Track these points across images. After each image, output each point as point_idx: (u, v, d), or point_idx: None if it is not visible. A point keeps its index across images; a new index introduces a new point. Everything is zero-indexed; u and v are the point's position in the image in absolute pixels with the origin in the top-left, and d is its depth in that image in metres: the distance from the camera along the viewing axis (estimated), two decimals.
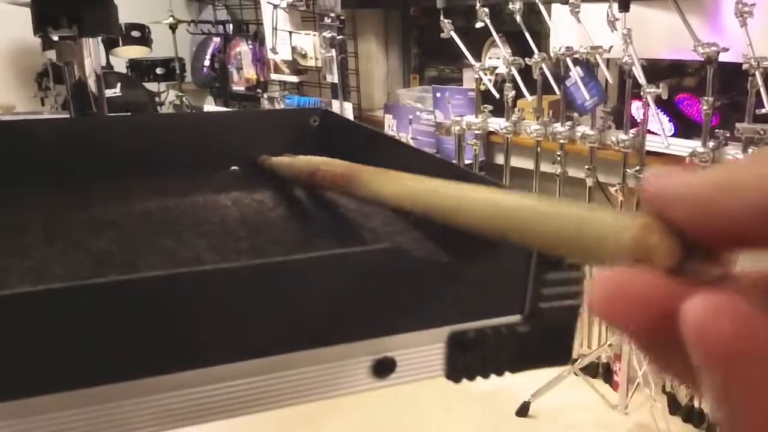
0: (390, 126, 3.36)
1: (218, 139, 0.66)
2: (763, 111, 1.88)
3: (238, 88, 4.22)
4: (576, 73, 2.30)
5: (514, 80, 2.48)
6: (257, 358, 0.28)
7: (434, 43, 3.60)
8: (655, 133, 2.20)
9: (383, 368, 0.30)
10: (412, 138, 3.27)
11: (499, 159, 3.02)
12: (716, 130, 2.06)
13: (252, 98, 4.17)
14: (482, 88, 2.64)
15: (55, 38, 0.75)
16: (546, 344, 0.31)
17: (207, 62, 4.47)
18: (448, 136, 3.09)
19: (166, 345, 0.28)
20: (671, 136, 2.25)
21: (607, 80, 2.43)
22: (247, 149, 0.66)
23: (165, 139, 0.65)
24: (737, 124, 1.96)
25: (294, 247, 0.49)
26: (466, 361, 0.30)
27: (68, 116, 1.00)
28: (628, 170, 2.15)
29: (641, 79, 2.09)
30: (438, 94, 3.09)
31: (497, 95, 2.57)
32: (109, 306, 0.27)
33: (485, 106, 2.64)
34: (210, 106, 4.48)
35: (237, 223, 0.53)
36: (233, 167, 0.66)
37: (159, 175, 0.62)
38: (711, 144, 2.02)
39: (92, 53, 0.76)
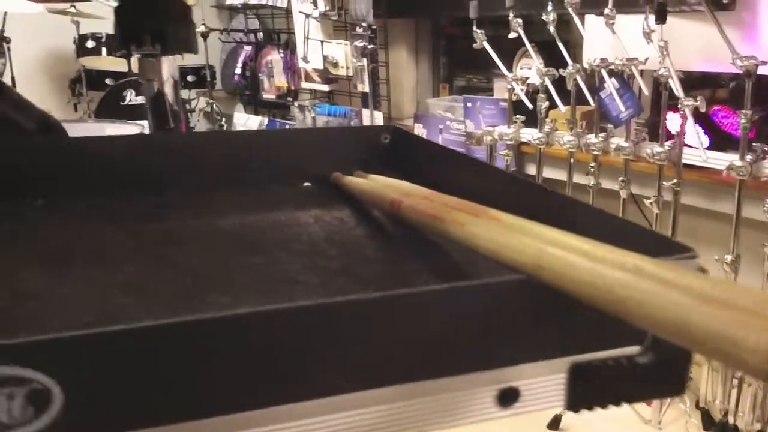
0: (420, 135, 3.37)
1: (290, 155, 0.67)
2: None
3: (269, 96, 4.26)
4: (611, 84, 2.29)
5: (547, 91, 2.48)
6: (382, 387, 0.29)
7: (463, 53, 3.61)
8: (691, 146, 2.18)
9: (507, 398, 0.30)
10: None
11: (530, 169, 3.01)
12: (753, 144, 2.04)
13: (282, 106, 4.20)
14: (514, 98, 2.64)
15: (137, 55, 0.77)
16: (662, 375, 0.32)
17: (238, 70, 4.51)
18: (478, 146, 3.09)
19: (292, 374, 0.29)
20: (706, 148, 2.23)
21: (641, 91, 2.42)
22: (318, 166, 0.67)
23: (238, 155, 0.66)
24: None
25: (384, 267, 0.50)
26: (587, 391, 0.31)
27: (145, 132, 1.01)
28: (665, 183, 2.13)
29: (678, 92, 2.08)
30: (469, 104, 3.10)
31: (530, 106, 2.57)
32: (241, 336, 0.28)
33: (517, 116, 2.64)
34: (240, 114, 4.52)
35: (323, 241, 0.53)
36: (306, 183, 0.67)
37: (235, 191, 0.63)
38: (749, 157, 2.00)
39: (171, 70, 0.78)
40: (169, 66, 0.78)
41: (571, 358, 0.31)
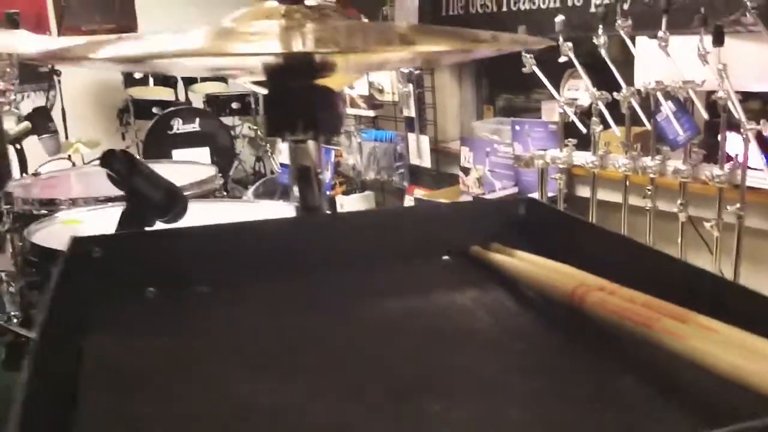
0: (466, 158, 3.37)
1: (426, 229, 0.67)
2: None
3: None
4: (668, 107, 2.28)
5: (600, 114, 2.47)
6: None
7: (507, 72, 3.61)
8: (751, 168, 2.15)
9: None
10: (489, 170, 3.27)
11: (580, 191, 3.00)
12: None
13: None
14: (565, 120, 2.64)
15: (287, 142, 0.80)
16: None
17: None
18: (527, 169, 3.08)
19: None
20: (760, 169, 2.20)
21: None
22: (455, 239, 0.67)
23: (374, 235, 0.67)
24: None
25: (594, 364, 0.49)
26: None
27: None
28: (728, 207, 2.10)
29: (738, 115, 2.06)
30: (517, 127, 3.10)
31: (584, 129, 2.56)
32: None
33: (569, 139, 2.64)
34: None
35: (501, 332, 0.53)
36: (445, 257, 0.68)
37: (380, 269, 0.64)
38: None
39: (318, 152, 0.81)
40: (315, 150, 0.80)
41: None
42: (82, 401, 0.43)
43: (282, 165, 4.14)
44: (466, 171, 3.39)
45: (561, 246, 0.62)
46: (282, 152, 4.21)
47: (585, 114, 2.69)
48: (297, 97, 0.77)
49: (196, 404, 0.45)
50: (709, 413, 0.41)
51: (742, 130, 2.04)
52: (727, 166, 2.17)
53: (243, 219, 1.53)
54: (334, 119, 0.80)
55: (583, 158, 2.57)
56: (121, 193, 1.60)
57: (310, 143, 0.80)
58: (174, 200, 0.82)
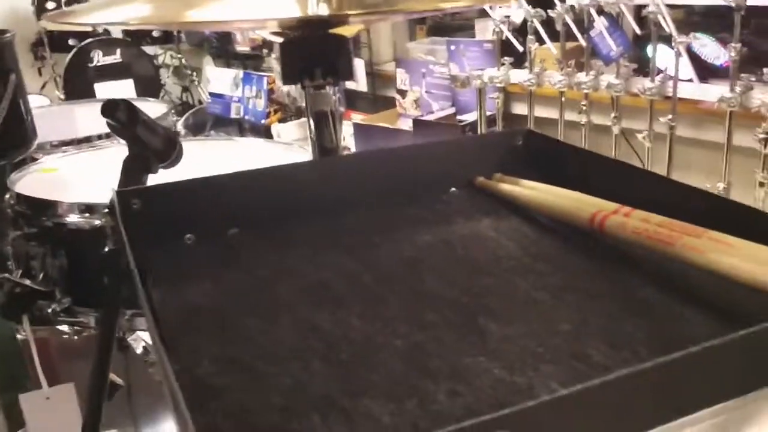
0: (402, 81, 3.39)
1: (430, 166, 0.71)
2: None
3: (243, 48, 4.19)
4: (601, 23, 2.35)
5: (536, 31, 2.52)
6: None
7: None
8: (681, 80, 2.26)
9: None
10: (426, 92, 3.30)
11: (517, 109, 3.07)
12: (741, 75, 2.13)
13: (256, 58, 4.15)
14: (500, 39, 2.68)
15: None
16: None
17: None
18: (463, 89, 3.13)
19: None
20: (688, 80, 2.31)
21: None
22: (459, 172, 0.72)
23: (385, 173, 0.70)
24: (765, 69, 2.04)
25: (618, 281, 0.54)
26: None
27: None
28: (660, 119, 2.22)
29: (669, 28, 2.15)
30: (452, 47, 3.12)
31: (521, 48, 2.62)
32: None
33: (505, 58, 2.69)
34: (210, 67, 4.45)
35: (526, 256, 0.57)
36: (452, 189, 0.72)
37: (396, 207, 0.67)
38: (738, 89, 2.09)
39: (338, 96, 0.83)
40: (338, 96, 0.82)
41: None
42: (172, 348, 0.47)
43: (212, 94, 4.05)
44: (403, 93, 3.41)
45: (560, 173, 0.68)
46: (210, 81, 4.11)
47: (518, 31, 2.74)
48: (316, 46, 0.79)
49: (287, 338, 0.49)
50: (731, 316, 0.48)
51: (673, 43, 2.13)
52: (658, 78, 2.28)
53: (229, 158, 1.52)
54: (350, 65, 0.83)
55: (520, 76, 2.64)
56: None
57: (328, 89, 0.83)
58: (172, 145, 0.84)
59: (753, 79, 2.12)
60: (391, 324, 0.49)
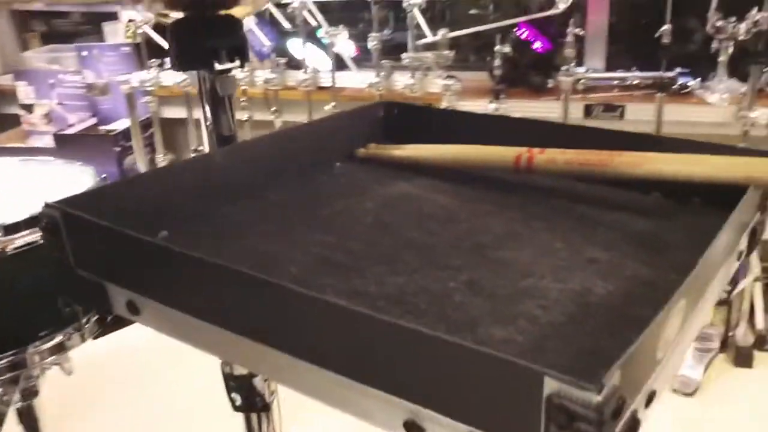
0: (26, 94, 3.00)
1: (310, 146, 0.71)
2: (425, 41, 2.24)
3: None
4: (251, 20, 2.39)
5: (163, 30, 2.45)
6: None
7: None
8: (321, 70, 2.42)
9: None
10: (59, 104, 2.98)
11: (167, 113, 2.95)
12: (383, 61, 2.37)
13: None
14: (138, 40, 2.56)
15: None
16: None
17: None
18: (103, 97, 2.92)
19: None
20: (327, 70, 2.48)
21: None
22: (337, 148, 0.72)
23: (270, 155, 0.69)
24: (403, 55, 2.30)
25: (571, 206, 0.57)
26: None
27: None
28: (325, 107, 2.35)
29: (317, 21, 2.29)
30: (85, 53, 2.86)
31: (167, 46, 2.51)
32: None
33: (153, 60, 2.56)
34: None
35: (472, 202, 0.58)
36: (338, 163, 0.70)
37: (305, 181, 0.66)
38: (383, 74, 2.32)
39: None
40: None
41: None
42: None
43: None
44: (29, 108, 3.03)
45: (428, 134, 0.70)
46: None
47: (157, 30, 2.63)
48: (216, 27, 0.75)
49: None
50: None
51: (321, 36, 2.27)
52: (310, 70, 2.41)
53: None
54: (247, 47, 0.80)
55: (174, 78, 2.54)
56: None
57: (234, 72, 0.77)
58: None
59: (392, 64, 2.37)
60: (421, 274, 0.48)
